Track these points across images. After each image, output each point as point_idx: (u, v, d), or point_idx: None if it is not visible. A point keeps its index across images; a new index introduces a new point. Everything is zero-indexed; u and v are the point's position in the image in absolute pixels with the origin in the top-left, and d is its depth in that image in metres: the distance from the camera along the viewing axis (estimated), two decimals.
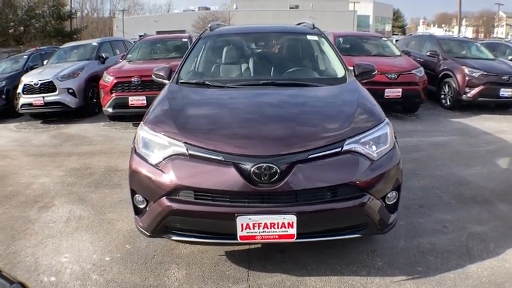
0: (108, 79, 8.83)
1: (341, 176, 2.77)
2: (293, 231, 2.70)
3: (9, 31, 29.28)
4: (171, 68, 4.38)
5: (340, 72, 4.16)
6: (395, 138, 3.20)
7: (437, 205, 4.45)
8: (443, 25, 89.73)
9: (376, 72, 4.31)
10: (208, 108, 3.49)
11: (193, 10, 60.97)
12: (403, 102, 9.36)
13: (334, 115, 3.21)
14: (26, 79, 9.92)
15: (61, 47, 12.67)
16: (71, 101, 9.79)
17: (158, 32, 32.97)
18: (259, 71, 4.47)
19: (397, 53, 10.33)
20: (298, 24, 5.45)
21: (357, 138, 2.90)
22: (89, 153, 7.04)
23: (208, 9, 58.00)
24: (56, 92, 9.65)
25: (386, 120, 3.21)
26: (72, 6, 41.72)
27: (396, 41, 12.67)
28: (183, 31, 25.38)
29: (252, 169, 2.68)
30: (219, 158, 2.77)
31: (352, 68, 4.27)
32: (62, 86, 9.68)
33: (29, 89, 9.75)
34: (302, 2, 58.92)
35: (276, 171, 2.67)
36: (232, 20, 43.97)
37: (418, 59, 10.71)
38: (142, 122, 3.29)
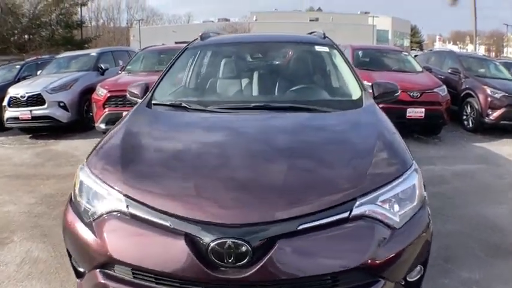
0: (102, 92, 8.16)
1: (347, 258, 1.93)
2: None
3: (12, 39, 28.85)
4: (148, 84, 3.64)
5: (355, 92, 3.34)
6: (424, 187, 2.38)
7: (465, 258, 3.68)
8: (457, 42, 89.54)
9: (399, 93, 3.54)
10: (171, 144, 2.67)
11: (212, 21, 60.94)
12: (425, 124, 8.56)
13: (343, 159, 2.34)
14: (13, 91, 9.30)
15: (57, 56, 12.05)
16: (61, 115, 9.11)
17: (177, 43, 32.63)
18: (253, 90, 3.68)
19: (419, 68, 9.57)
20: (310, 33, 4.59)
21: (373, 195, 2.06)
22: (70, 175, 6.22)
23: (228, 20, 57.94)
24: (45, 106, 8.98)
25: (414, 165, 2.38)
26: (83, 15, 41.51)
27: (415, 56, 11.87)
28: None
29: (211, 245, 1.86)
30: (167, 224, 1.97)
31: (369, 85, 3.60)
32: (52, 99, 9.00)
33: (15, 102, 9.11)
34: (322, 15, 59.43)
35: (247, 251, 1.84)
36: (252, 32, 43.33)
37: (439, 76, 9.93)
38: (85, 160, 2.55)
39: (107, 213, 2.10)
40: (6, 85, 10.31)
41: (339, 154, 2.41)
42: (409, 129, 8.07)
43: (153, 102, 3.31)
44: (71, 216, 2.28)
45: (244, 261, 1.83)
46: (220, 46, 4.33)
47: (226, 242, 1.84)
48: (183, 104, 3.19)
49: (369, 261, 1.91)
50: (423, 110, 8.03)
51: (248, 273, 1.83)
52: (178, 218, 1.95)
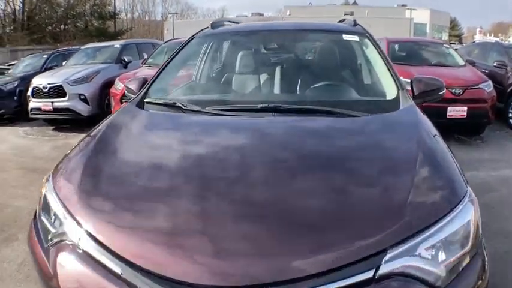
0: (119, 86, 7.83)
1: None
2: None
3: (48, 28, 29.15)
4: (147, 79, 3.14)
5: (390, 91, 2.70)
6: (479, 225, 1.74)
7: None
8: (499, 34, 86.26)
9: (444, 91, 2.90)
10: (151, 161, 2.07)
11: (246, 16, 60.65)
12: (467, 123, 7.72)
13: (371, 189, 1.72)
14: (36, 81, 9.09)
15: (82, 47, 11.82)
16: (82, 108, 8.81)
17: None
18: (266, 87, 3.12)
19: (461, 62, 8.73)
20: (341, 22, 3.93)
21: (412, 243, 1.48)
22: None
23: (261, 15, 57.51)
24: (66, 98, 8.71)
25: (469, 192, 1.79)
26: (119, 7, 41.74)
27: (456, 49, 11.01)
28: None
29: None
30: (117, 271, 1.48)
31: (407, 81, 2.95)
32: (73, 91, 8.72)
33: (37, 93, 8.90)
34: (357, 8, 58.27)
35: None
36: None
37: (483, 70, 9.05)
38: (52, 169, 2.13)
39: (63, 241, 1.67)
40: (32, 74, 10.13)
41: (365, 181, 1.78)
42: (449, 128, 7.40)
43: (146, 100, 2.78)
44: (32, 237, 1.88)
45: None
46: (232, 35, 3.76)
47: None
48: (178, 104, 2.62)
49: None
50: (466, 108, 7.25)
51: None
52: (134, 267, 1.45)
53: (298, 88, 3.00)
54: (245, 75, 3.32)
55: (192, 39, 3.45)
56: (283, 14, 59.58)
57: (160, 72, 3.09)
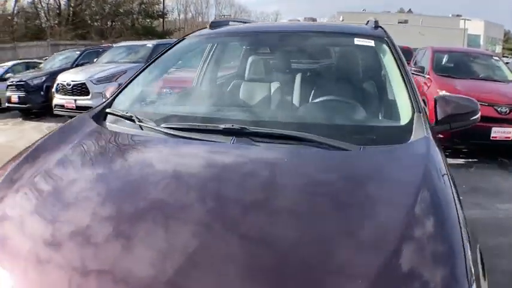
0: None
1: None
2: None
3: (94, 24, 29.62)
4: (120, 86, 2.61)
5: (403, 114, 2.07)
6: None
7: None
8: None
9: (478, 116, 2.24)
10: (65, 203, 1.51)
11: (298, 20, 60.44)
12: None
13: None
14: (61, 77, 8.99)
15: (115, 45, 11.70)
16: None
17: None
18: (246, 101, 2.60)
19: (511, 77, 7.84)
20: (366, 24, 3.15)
21: None
22: None
23: (314, 20, 57.16)
24: (89, 96, 8.53)
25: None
26: (172, 6, 42.04)
27: (507, 63, 9.96)
28: None
29: None
30: None
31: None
32: (96, 89, 8.45)
33: (62, 89, 8.80)
34: (412, 17, 57.06)
35: None
36: None
37: None
38: None
39: None
40: (62, 70, 10.07)
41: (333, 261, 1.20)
42: (492, 151, 6.65)
43: (109, 110, 2.27)
44: None
45: None
46: (226, 37, 3.21)
47: None
48: (135, 117, 2.09)
49: None
50: None
51: None
52: None
53: (282, 105, 2.49)
54: (227, 86, 2.87)
55: (181, 40, 2.94)
56: (336, 19, 59.13)
57: (135, 77, 2.60)
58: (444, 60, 8.25)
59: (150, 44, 10.63)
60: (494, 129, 6.22)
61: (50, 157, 1.81)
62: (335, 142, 1.74)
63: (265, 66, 3.01)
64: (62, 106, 8.78)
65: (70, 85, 8.62)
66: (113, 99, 2.38)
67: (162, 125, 1.96)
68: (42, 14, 28.63)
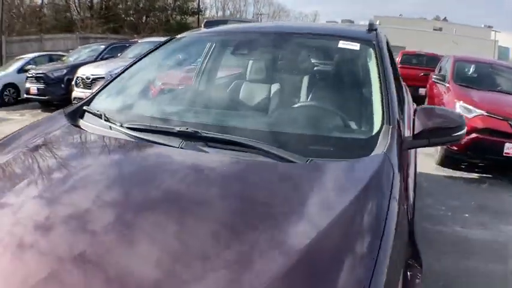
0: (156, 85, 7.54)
1: None
2: None
3: (127, 19, 29.95)
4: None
5: (371, 126, 1.95)
6: None
7: None
8: None
9: (462, 133, 2.00)
10: None
11: (336, 22, 60.31)
12: None
13: None
14: (81, 71, 9.10)
15: (140, 41, 11.81)
16: None
17: None
18: (218, 103, 2.48)
19: None
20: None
21: None
22: None
23: (351, 22, 56.94)
24: None
25: None
26: (207, 3, 42.22)
27: None
28: None
29: None
30: None
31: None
32: None
33: (81, 82, 8.90)
34: (446, 25, 56.65)
35: None
36: None
37: None
38: None
39: None
40: (85, 63, 10.18)
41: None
42: (505, 167, 6.31)
43: (84, 108, 2.21)
44: None
45: None
46: (211, 37, 3.11)
47: None
48: (102, 116, 2.05)
49: None
50: None
51: None
52: None
53: (248, 109, 2.40)
54: (209, 86, 2.82)
55: (172, 39, 2.85)
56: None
57: (121, 74, 2.55)
58: (466, 70, 7.99)
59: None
60: (507, 144, 5.83)
61: (7, 149, 1.89)
62: (283, 153, 1.65)
63: (240, 68, 2.94)
64: (81, 99, 8.85)
65: (90, 79, 8.70)
66: (94, 97, 2.35)
67: (125, 125, 1.91)
68: (73, 7, 29.07)
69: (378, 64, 2.24)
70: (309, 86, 2.55)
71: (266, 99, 2.48)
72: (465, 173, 6.14)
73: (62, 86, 9.89)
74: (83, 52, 11.74)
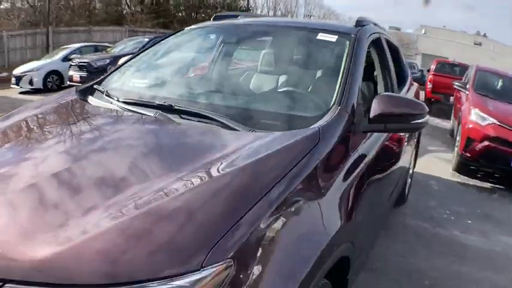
0: None
1: None
2: None
3: (177, 14, 30.53)
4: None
5: (322, 106, 2.12)
6: None
7: None
8: None
9: (423, 121, 2.11)
10: None
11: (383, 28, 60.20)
12: None
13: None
14: (121, 61, 9.38)
15: None
16: None
17: None
18: (203, 84, 2.81)
19: None
20: None
21: None
22: None
23: (398, 29, 56.46)
24: None
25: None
26: (258, 2, 42.47)
27: None
28: None
29: None
30: None
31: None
32: None
33: None
34: (486, 41, 56.20)
35: None
36: (417, 44, 43.21)
37: None
38: None
39: None
40: (127, 55, 10.60)
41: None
42: None
43: (95, 87, 2.51)
44: None
45: None
46: (213, 29, 3.40)
47: None
48: (105, 92, 2.36)
49: None
50: None
51: None
52: None
53: (227, 90, 2.66)
54: (203, 70, 3.12)
55: (181, 31, 3.18)
56: (418, 31, 58.73)
57: (133, 57, 2.94)
58: (487, 80, 8.00)
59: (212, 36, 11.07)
60: None
61: (19, 115, 2.24)
62: (232, 123, 1.88)
63: (230, 56, 3.23)
64: None
65: None
66: (103, 79, 2.67)
67: (120, 100, 2.20)
68: (124, 1, 29.78)
69: (348, 54, 2.40)
70: (284, 72, 2.80)
71: (245, 82, 2.80)
72: (479, 181, 6.13)
73: (105, 74, 10.37)
74: (128, 44, 12.28)
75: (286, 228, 1.42)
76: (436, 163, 6.93)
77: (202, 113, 1.98)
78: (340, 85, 2.16)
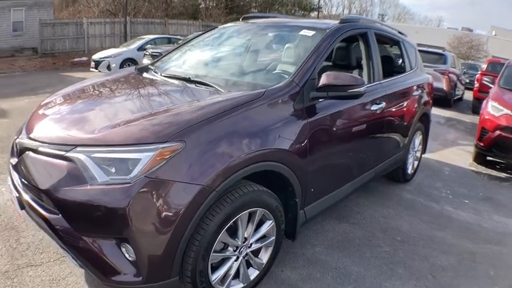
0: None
1: None
2: None
3: (250, 10, 31.35)
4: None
5: (283, 79, 2.92)
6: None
7: None
8: None
9: (358, 90, 2.84)
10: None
11: (456, 29, 57.42)
12: None
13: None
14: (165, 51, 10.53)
15: None
16: None
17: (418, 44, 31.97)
18: (214, 66, 3.73)
19: None
20: None
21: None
22: None
23: (471, 31, 53.99)
24: None
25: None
26: (337, 2, 42.44)
27: None
28: (442, 48, 25.01)
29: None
30: None
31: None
32: None
33: None
34: None
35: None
36: (487, 47, 41.68)
37: None
38: None
39: None
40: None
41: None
42: None
43: (149, 66, 3.74)
44: None
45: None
46: (233, 26, 4.27)
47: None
48: (153, 70, 3.56)
49: None
50: None
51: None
52: None
53: (223, 68, 3.62)
54: (220, 57, 3.93)
55: (214, 29, 4.35)
56: (489, 33, 55.67)
57: (175, 49, 4.12)
58: (498, 71, 8.20)
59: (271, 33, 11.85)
60: None
61: (88, 82, 3.48)
62: (217, 86, 2.88)
63: (237, 45, 4.04)
64: None
65: None
66: (157, 61, 3.91)
67: (162, 74, 3.38)
68: None
69: (315, 45, 3.18)
70: (266, 58, 3.76)
71: (239, 62, 3.74)
72: (495, 171, 6.27)
73: None
74: (193, 37, 13.29)
75: (229, 128, 2.38)
76: (459, 154, 7.12)
77: (204, 82, 2.98)
78: (300, 66, 2.97)
